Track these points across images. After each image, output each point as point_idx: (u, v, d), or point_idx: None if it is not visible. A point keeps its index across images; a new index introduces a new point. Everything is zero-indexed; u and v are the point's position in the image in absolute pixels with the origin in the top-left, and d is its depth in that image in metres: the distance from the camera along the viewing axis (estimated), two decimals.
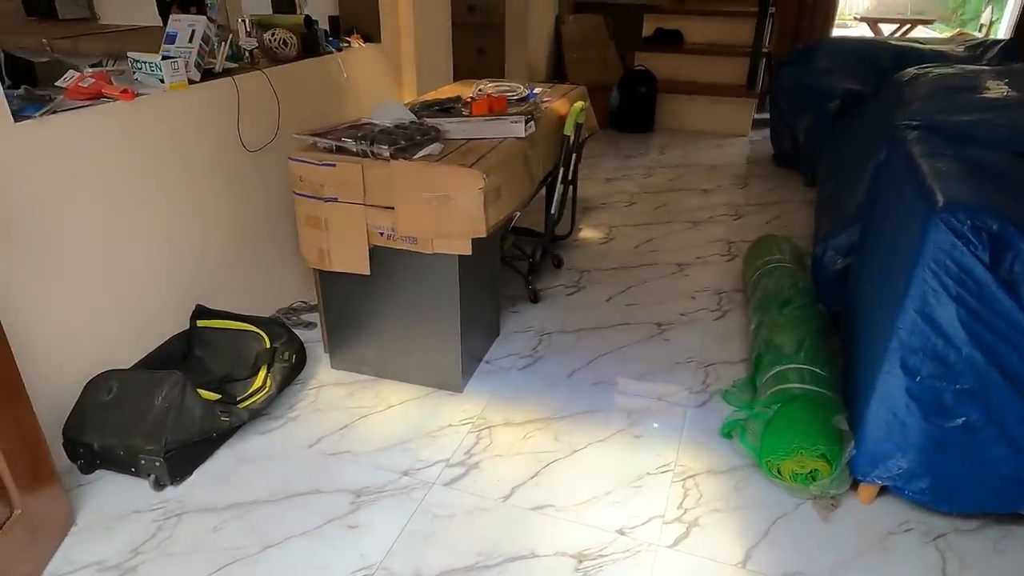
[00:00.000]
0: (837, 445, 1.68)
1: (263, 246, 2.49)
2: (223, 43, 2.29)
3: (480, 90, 2.61)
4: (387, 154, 1.85)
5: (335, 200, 1.96)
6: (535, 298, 2.73)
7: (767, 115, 5.68)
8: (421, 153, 1.92)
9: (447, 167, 1.86)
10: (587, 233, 3.42)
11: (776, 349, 2.05)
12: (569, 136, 2.49)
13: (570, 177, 2.74)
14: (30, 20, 3.49)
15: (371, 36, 3.13)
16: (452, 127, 2.13)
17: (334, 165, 1.92)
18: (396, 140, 1.90)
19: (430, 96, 2.80)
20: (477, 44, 6.29)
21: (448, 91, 2.89)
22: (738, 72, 5.27)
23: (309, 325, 2.52)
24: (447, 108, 2.35)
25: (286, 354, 2.09)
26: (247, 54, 2.47)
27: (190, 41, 2.09)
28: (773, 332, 2.14)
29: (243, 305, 2.41)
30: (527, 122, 2.21)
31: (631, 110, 5.26)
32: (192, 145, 2.13)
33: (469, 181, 1.84)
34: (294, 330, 2.21)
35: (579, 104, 2.48)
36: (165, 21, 2.15)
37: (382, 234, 1.97)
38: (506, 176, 2.01)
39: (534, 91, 2.64)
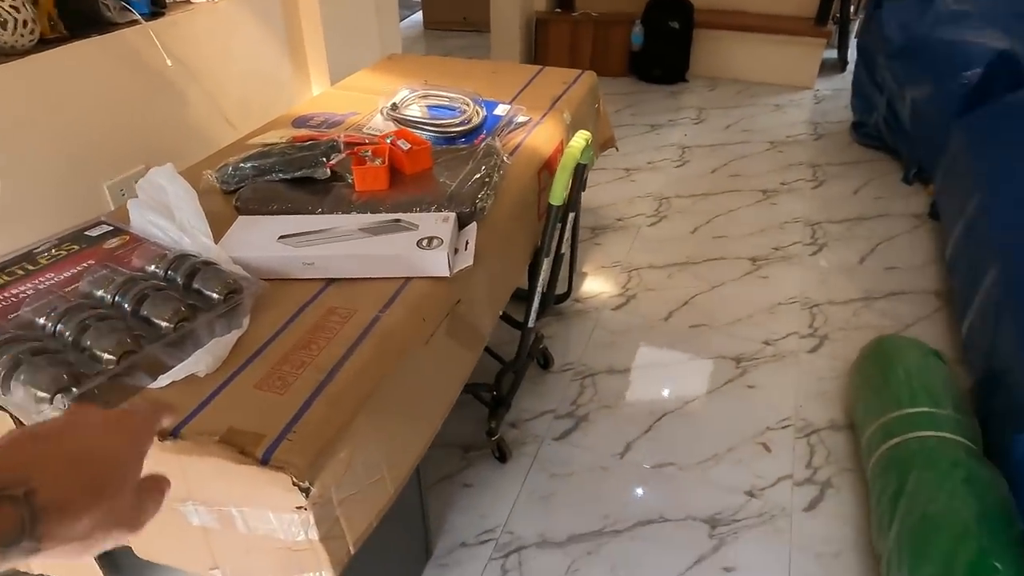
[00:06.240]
0: None
1: None
2: None
3: (393, 107, 1.38)
4: (46, 396, 0.70)
5: None
6: (502, 455, 1.63)
7: (833, 53, 4.33)
8: (164, 379, 0.76)
9: (210, 458, 0.70)
10: (594, 284, 2.25)
11: None
12: (559, 207, 1.30)
13: (562, 247, 1.58)
14: None
15: None
16: (286, 257, 0.94)
17: None
18: (101, 332, 0.75)
19: (319, 108, 1.58)
20: None
21: (357, 87, 1.66)
22: (805, 1, 3.88)
23: None
24: (297, 179, 1.12)
25: None
26: None
27: None
28: None
29: None
30: (460, 225, 1.02)
31: (659, 52, 3.94)
32: None
33: (272, 495, 0.70)
34: None
35: (581, 140, 1.27)
36: None
37: None
38: (400, 408, 0.86)
39: (495, 111, 1.40)
